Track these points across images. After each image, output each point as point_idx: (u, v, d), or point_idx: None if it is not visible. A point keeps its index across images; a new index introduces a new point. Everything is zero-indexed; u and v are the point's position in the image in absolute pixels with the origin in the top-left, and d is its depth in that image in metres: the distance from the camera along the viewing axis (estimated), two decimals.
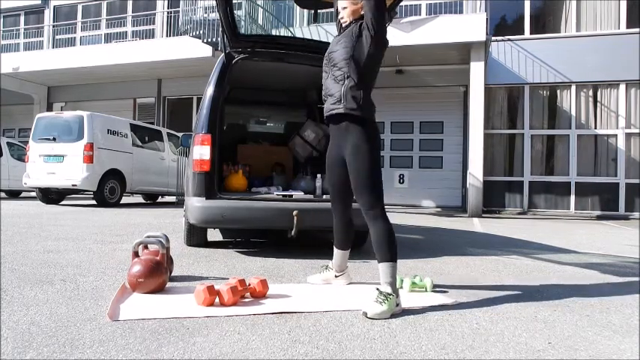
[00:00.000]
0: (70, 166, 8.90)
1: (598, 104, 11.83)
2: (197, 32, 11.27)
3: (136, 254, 2.64)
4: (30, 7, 17.25)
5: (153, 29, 15.28)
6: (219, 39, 9.23)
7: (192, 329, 1.94)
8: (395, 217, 8.22)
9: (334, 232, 2.82)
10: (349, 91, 2.46)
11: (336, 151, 2.62)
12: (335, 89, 2.52)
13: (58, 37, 16.45)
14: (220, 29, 3.84)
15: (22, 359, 1.58)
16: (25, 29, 17.18)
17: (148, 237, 2.77)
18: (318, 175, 4.17)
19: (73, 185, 8.88)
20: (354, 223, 2.81)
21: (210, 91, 3.87)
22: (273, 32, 11.44)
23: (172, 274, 2.84)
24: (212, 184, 3.74)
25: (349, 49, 2.49)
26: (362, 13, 2.53)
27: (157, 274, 2.51)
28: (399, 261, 2.40)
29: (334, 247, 2.85)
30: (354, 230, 2.85)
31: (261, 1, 11.97)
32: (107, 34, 15.85)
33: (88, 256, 3.55)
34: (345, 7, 2.61)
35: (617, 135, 11.61)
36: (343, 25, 2.66)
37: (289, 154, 5.19)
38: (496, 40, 11.85)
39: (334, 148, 2.64)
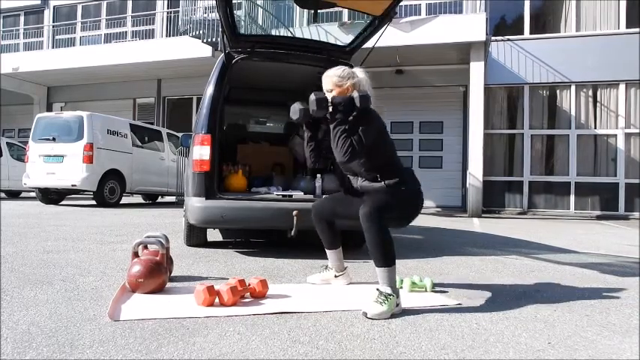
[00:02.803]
0: (69, 167, 8.90)
1: (598, 104, 11.84)
2: (197, 32, 11.28)
3: (135, 254, 2.64)
4: (30, 7, 17.24)
5: (153, 29, 15.28)
6: (219, 39, 9.23)
7: (192, 329, 1.94)
8: None
9: (319, 234, 2.83)
10: (391, 183, 2.46)
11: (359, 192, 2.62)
12: (377, 186, 2.49)
13: (57, 37, 16.44)
14: (220, 29, 3.84)
15: (22, 359, 1.58)
16: (24, 29, 17.17)
17: (148, 237, 2.77)
18: (318, 176, 4.17)
19: (72, 185, 8.88)
20: (335, 223, 2.82)
21: (210, 91, 3.87)
22: (273, 32, 11.43)
23: (172, 275, 2.84)
24: (212, 184, 3.74)
25: (362, 158, 2.46)
26: (350, 94, 2.47)
27: (157, 275, 2.51)
28: (399, 261, 2.40)
29: (326, 250, 2.85)
30: (349, 230, 2.85)
31: (261, 1, 11.97)
32: (107, 34, 15.85)
33: (87, 256, 3.54)
34: (330, 90, 2.53)
35: (616, 135, 11.62)
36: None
37: (289, 154, 5.19)
38: (496, 40, 11.85)
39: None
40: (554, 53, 11.77)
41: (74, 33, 16.28)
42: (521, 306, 2.48)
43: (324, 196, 4.03)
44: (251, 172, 4.77)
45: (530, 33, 12.16)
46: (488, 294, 2.73)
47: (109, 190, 9.33)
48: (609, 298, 2.75)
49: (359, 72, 2.58)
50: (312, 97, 2.44)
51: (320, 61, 4.21)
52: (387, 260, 2.31)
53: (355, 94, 2.42)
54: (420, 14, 11.67)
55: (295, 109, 2.62)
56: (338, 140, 2.38)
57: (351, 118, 2.44)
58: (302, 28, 11.31)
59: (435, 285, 2.78)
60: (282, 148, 5.22)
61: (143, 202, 12.06)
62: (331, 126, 2.44)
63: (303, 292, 2.66)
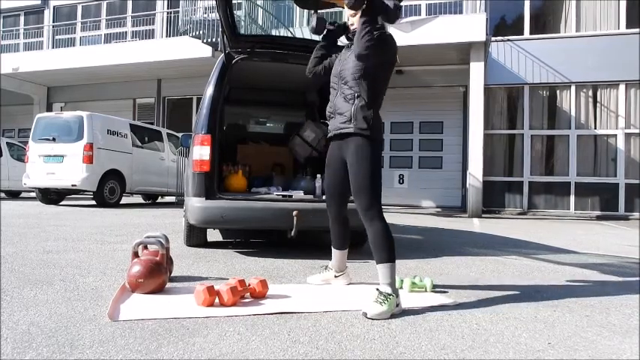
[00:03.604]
0: (69, 167, 8.89)
1: (598, 104, 11.84)
2: (197, 32, 11.27)
3: (135, 254, 2.64)
4: (30, 7, 17.24)
5: (153, 29, 15.28)
6: (219, 39, 9.22)
7: (191, 329, 1.94)
8: (395, 217, 8.24)
9: (331, 232, 2.83)
10: (360, 111, 2.45)
11: (337, 153, 2.62)
12: (345, 108, 2.51)
13: (57, 37, 16.45)
14: (220, 29, 3.84)
15: (22, 359, 1.57)
16: (24, 29, 17.18)
17: (148, 237, 2.77)
18: (318, 176, 4.17)
19: (72, 185, 8.88)
20: (349, 222, 2.81)
21: (209, 91, 3.87)
22: (273, 32, 11.43)
23: (172, 275, 2.84)
24: (212, 184, 3.73)
25: (360, 68, 2.46)
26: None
27: (157, 275, 2.51)
28: (399, 261, 2.40)
29: (332, 248, 2.85)
30: (351, 230, 2.85)
31: (261, 1, 11.97)
32: (107, 34, 15.85)
33: (87, 257, 3.54)
34: (353, 14, 2.54)
35: (616, 135, 11.62)
36: (352, 34, 2.62)
37: (289, 154, 5.19)
38: (496, 41, 11.85)
39: (335, 149, 2.64)
40: (554, 53, 11.77)
41: (74, 33, 16.28)
42: (521, 306, 2.48)
43: (324, 196, 4.04)
44: (251, 172, 4.77)
45: (530, 33, 12.17)
46: (488, 294, 2.73)
47: (109, 190, 9.32)
48: (609, 298, 2.75)
49: None
50: (314, 15, 2.61)
51: None
52: (389, 256, 2.33)
53: (390, 2, 2.44)
54: (420, 14, 11.68)
55: (313, 19, 2.81)
56: (365, 33, 2.34)
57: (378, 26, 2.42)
58: (302, 28, 11.31)
59: (434, 285, 2.78)
60: (282, 148, 5.22)
61: (143, 202, 12.06)
62: (363, 19, 2.37)
63: (303, 292, 2.66)
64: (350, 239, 2.87)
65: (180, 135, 7.07)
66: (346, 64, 2.56)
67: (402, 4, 2.87)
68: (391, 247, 2.35)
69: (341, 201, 2.75)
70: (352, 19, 2.57)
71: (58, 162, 9.01)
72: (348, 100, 2.51)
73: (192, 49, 12.20)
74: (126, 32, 15.62)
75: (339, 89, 2.58)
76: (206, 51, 12.01)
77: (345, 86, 2.53)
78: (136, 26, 15.47)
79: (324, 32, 2.85)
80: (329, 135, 2.67)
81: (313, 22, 2.82)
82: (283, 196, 4.02)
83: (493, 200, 11.86)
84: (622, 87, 11.58)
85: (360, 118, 2.45)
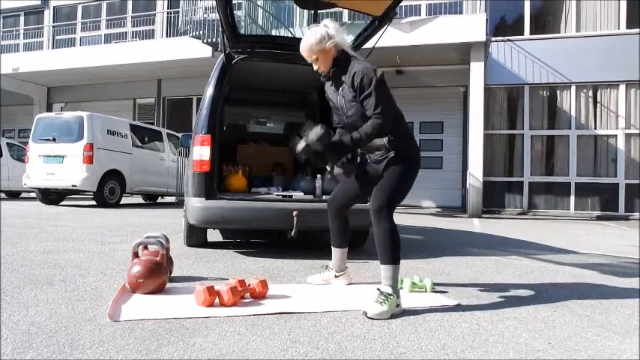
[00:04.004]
0: (69, 167, 8.90)
1: (598, 104, 11.84)
2: (197, 32, 11.27)
3: (135, 255, 2.64)
4: (30, 7, 17.24)
5: (153, 29, 15.28)
6: (219, 39, 9.23)
7: (192, 330, 1.94)
8: (395, 217, 8.19)
9: (331, 230, 2.83)
10: (391, 142, 2.44)
11: (374, 167, 2.58)
12: (377, 144, 2.47)
13: (57, 37, 16.45)
14: (220, 29, 3.84)
15: (22, 359, 1.58)
16: (24, 30, 17.18)
17: (148, 237, 2.77)
18: (318, 176, 4.17)
19: (72, 186, 8.88)
20: (349, 221, 2.81)
21: (209, 91, 3.87)
22: (273, 32, 11.44)
23: (172, 275, 2.84)
24: (212, 184, 3.73)
25: (363, 113, 2.40)
26: (335, 54, 2.45)
27: (157, 275, 2.51)
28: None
29: (332, 247, 2.85)
30: (352, 230, 2.85)
31: (261, 1, 11.97)
32: (107, 34, 15.85)
33: (87, 257, 3.54)
34: (316, 59, 2.48)
35: (616, 135, 11.62)
36: (325, 79, 2.58)
37: (289, 154, 5.19)
38: (496, 41, 11.85)
39: (372, 164, 2.61)
40: (555, 53, 11.77)
41: (74, 33, 16.28)
42: (521, 306, 2.48)
43: (324, 196, 4.04)
44: (251, 172, 4.77)
45: (531, 33, 12.16)
46: (488, 294, 2.73)
47: (109, 190, 9.33)
48: (609, 298, 2.75)
49: (331, 27, 2.46)
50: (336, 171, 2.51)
51: None
52: (393, 257, 2.32)
53: (337, 170, 2.46)
54: (420, 15, 11.68)
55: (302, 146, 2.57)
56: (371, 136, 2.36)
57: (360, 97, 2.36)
58: (302, 28, 11.31)
59: (435, 285, 2.78)
60: (282, 148, 5.22)
61: (143, 202, 12.06)
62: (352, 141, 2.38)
63: (303, 292, 2.66)
64: (349, 238, 2.87)
65: (180, 135, 7.07)
66: (349, 110, 2.46)
67: (396, 12, 2.84)
68: (396, 249, 2.34)
69: (347, 203, 2.76)
70: (315, 65, 2.52)
71: (58, 162, 9.02)
72: (384, 152, 2.48)
73: (193, 49, 12.20)
74: (126, 32, 15.62)
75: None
76: (206, 51, 12.01)
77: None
78: (136, 26, 15.47)
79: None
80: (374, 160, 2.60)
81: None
82: (283, 196, 4.02)
83: (493, 200, 11.86)
84: (622, 87, 11.58)
85: (393, 145, 2.44)
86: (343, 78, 2.45)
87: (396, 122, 2.46)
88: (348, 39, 4.54)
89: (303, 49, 2.48)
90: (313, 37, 2.44)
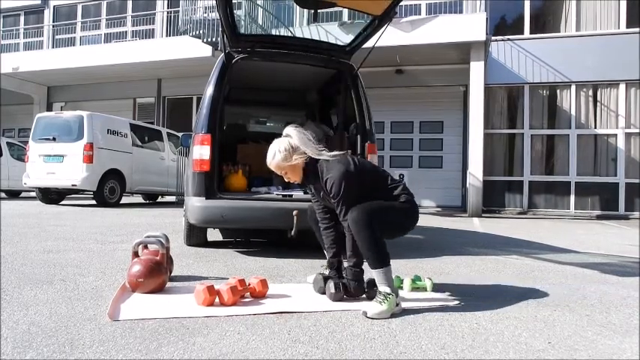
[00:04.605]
0: (69, 166, 8.90)
1: (598, 104, 11.83)
2: (197, 32, 11.27)
3: (135, 254, 2.64)
4: (30, 7, 17.23)
5: (153, 29, 15.27)
6: (219, 39, 9.23)
7: (192, 329, 1.94)
8: None
9: (317, 235, 2.82)
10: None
11: None
12: None
13: (57, 37, 16.44)
14: (220, 29, 3.84)
15: (22, 359, 1.58)
16: (24, 29, 17.17)
17: (148, 237, 2.77)
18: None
19: (72, 185, 8.88)
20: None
21: (209, 90, 3.87)
22: (273, 32, 11.43)
23: (172, 274, 2.84)
24: (212, 184, 3.74)
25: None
26: (304, 163, 2.44)
27: (157, 274, 2.51)
28: (399, 261, 2.40)
29: (324, 251, 2.80)
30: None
31: (261, 1, 11.97)
32: (107, 34, 15.84)
33: (87, 256, 3.54)
34: (285, 173, 2.50)
35: (616, 135, 11.62)
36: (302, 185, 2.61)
37: None
38: (496, 40, 11.84)
39: None
40: (555, 53, 11.76)
41: (74, 33, 16.27)
42: (521, 306, 2.48)
43: None
44: (251, 172, 4.77)
45: (530, 33, 12.16)
46: (488, 294, 2.73)
47: (109, 189, 9.33)
48: (609, 298, 2.75)
49: (293, 136, 2.45)
50: (331, 289, 2.47)
51: (320, 61, 4.22)
52: (381, 262, 2.30)
53: (331, 287, 2.46)
54: (420, 14, 11.67)
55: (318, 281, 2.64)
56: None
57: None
58: (302, 28, 11.31)
59: (435, 285, 2.78)
60: None
61: (143, 201, 12.06)
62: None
63: (303, 292, 2.66)
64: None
65: (180, 135, 7.07)
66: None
67: (396, 11, 2.80)
68: (383, 252, 2.30)
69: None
70: (286, 177, 2.53)
71: (58, 162, 9.02)
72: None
73: (193, 48, 12.19)
74: (126, 32, 15.61)
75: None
76: (206, 50, 12.00)
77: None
78: (136, 26, 15.46)
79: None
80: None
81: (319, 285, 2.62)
82: (283, 195, 4.02)
83: (493, 200, 11.86)
84: (622, 86, 11.58)
85: None
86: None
87: (381, 191, 2.47)
88: (348, 39, 4.56)
89: (271, 166, 2.48)
90: (279, 154, 2.43)
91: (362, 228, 2.29)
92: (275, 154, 2.45)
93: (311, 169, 2.46)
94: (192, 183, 3.78)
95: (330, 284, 2.48)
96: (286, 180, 2.57)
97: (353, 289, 2.46)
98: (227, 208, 3.71)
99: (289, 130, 2.50)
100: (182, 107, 15.36)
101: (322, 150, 2.47)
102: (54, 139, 9.12)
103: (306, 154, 2.44)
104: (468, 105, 11.67)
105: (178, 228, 5.14)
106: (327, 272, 2.90)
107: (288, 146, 2.44)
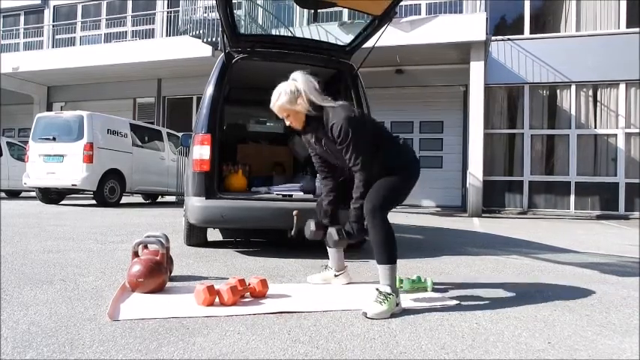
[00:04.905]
0: (69, 166, 8.90)
1: (598, 104, 11.84)
2: (197, 32, 11.27)
3: (135, 254, 2.64)
4: (30, 6, 17.24)
5: (153, 29, 15.28)
6: (219, 39, 9.23)
7: (192, 329, 1.94)
8: (395, 217, 8.19)
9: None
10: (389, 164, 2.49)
11: None
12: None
13: (57, 36, 16.44)
14: (220, 29, 3.84)
15: (22, 359, 1.58)
16: (24, 29, 17.17)
17: (148, 237, 2.77)
18: (318, 175, 4.16)
19: (72, 185, 8.88)
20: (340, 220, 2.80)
21: (209, 90, 3.87)
22: (273, 32, 11.43)
23: (172, 274, 2.84)
24: (212, 183, 3.74)
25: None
26: (307, 109, 2.43)
27: (157, 274, 2.51)
28: (399, 261, 2.40)
29: (327, 247, 2.84)
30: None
31: (261, 1, 11.97)
32: (107, 33, 15.85)
33: (87, 256, 3.54)
34: (287, 116, 2.49)
35: (616, 135, 11.62)
36: (303, 134, 2.62)
37: (289, 153, 5.19)
38: (496, 40, 11.84)
39: None
40: (555, 53, 11.76)
41: (74, 33, 16.28)
42: (521, 306, 2.48)
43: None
44: (251, 172, 4.77)
45: (531, 33, 12.16)
46: (488, 294, 2.73)
47: (109, 189, 9.33)
48: (609, 297, 2.75)
49: (299, 80, 2.45)
50: (334, 236, 2.49)
51: (320, 61, 4.21)
52: (390, 257, 2.32)
53: (333, 233, 2.49)
54: (420, 14, 11.67)
55: (309, 231, 2.71)
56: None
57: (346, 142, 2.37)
58: (302, 27, 11.31)
59: (435, 284, 2.78)
60: (282, 148, 5.22)
61: (143, 201, 12.06)
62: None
63: (303, 291, 2.66)
64: None
65: (180, 134, 7.07)
66: (340, 157, 2.47)
67: (396, 11, 2.84)
68: (392, 248, 2.34)
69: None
70: (287, 121, 2.54)
71: (58, 161, 9.02)
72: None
73: (192, 48, 12.19)
74: (126, 32, 15.61)
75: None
76: (206, 50, 12.00)
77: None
78: (136, 26, 15.47)
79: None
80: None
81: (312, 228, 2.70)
82: (283, 195, 4.02)
83: (493, 200, 11.86)
84: (622, 86, 11.58)
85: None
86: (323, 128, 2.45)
87: (380, 148, 2.49)
88: (348, 38, 4.56)
89: (274, 108, 2.48)
90: (284, 96, 2.43)
91: (377, 221, 2.33)
92: (280, 96, 2.44)
93: (314, 116, 2.43)
94: (192, 183, 3.78)
95: (311, 223, 2.62)
96: (287, 124, 2.54)
97: (356, 230, 2.46)
98: (227, 208, 3.71)
99: (297, 74, 2.48)
100: (182, 107, 15.36)
101: (327, 97, 2.46)
102: (54, 139, 9.12)
103: (311, 100, 2.41)
104: (467, 105, 11.66)
105: (178, 228, 5.14)
106: (326, 271, 2.91)
107: (295, 89, 2.42)
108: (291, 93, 2.41)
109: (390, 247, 2.33)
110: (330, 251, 2.85)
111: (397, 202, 2.51)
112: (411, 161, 2.56)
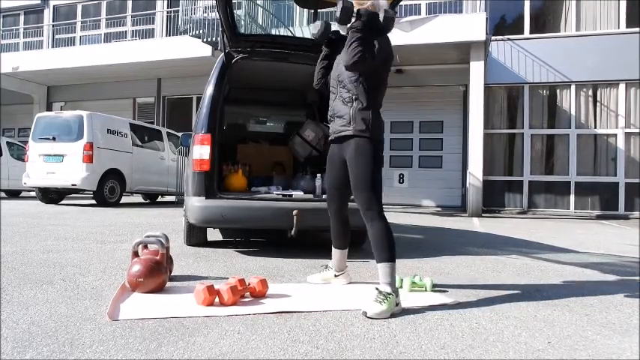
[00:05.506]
0: (69, 166, 8.89)
1: (598, 104, 11.84)
2: (197, 32, 11.26)
3: (135, 254, 2.64)
4: (29, 6, 17.23)
5: (152, 29, 15.27)
6: (218, 38, 9.23)
7: (191, 329, 1.94)
8: (395, 217, 8.23)
9: (331, 232, 2.84)
10: (358, 114, 2.47)
11: (338, 154, 2.63)
12: (344, 111, 2.53)
13: (57, 36, 16.44)
14: (220, 29, 3.84)
15: (22, 359, 1.58)
16: (24, 29, 17.17)
17: (148, 237, 2.77)
18: (318, 175, 4.16)
19: (72, 185, 8.88)
20: (350, 222, 2.82)
21: (209, 90, 3.87)
22: (273, 31, 11.43)
23: (172, 274, 2.84)
24: (212, 183, 3.74)
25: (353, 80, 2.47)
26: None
27: (157, 274, 2.51)
28: (399, 261, 2.40)
29: (333, 247, 2.86)
30: (351, 229, 2.85)
31: (261, 1, 11.97)
32: (107, 33, 15.85)
33: (87, 256, 3.54)
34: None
35: (616, 134, 11.62)
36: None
37: (289, 153, 5.19)
38: (496, 40, 11.84)
39: (336, 151, 2.66)
40: (554, 53, 11.76)
41: (74, 32, 16.28)
42: (521, 305, 2.48)
43: (324, 195, 4.03)
44: (251, 171, 4.77)
45: (530, 33, 12.16)
46: (488, 293, 2.73)
47: (108, 189, 9.32)
48: (609, 297, 2.75)
49: (383, 1, 2.52)
50: (340, 3, 2.42)
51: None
52: (389, 255, 2.33)
53: (381, 13, 2.43)
54: (419, 14, 11.67)
55: (317, 24, 2.68)
56: (351, 44, 2.36)
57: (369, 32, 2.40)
58: (302, 27, 11.30)
59: (434, 284, 2.78)
60: (282, 148, 5.22)
61: (143, 201, 12.05)
62: (350, 31, 2.42)
63: (303, 291, 2.66)
64: (350, 239, 2.87)
65: (180, 134, 7.07)
66: (343, 67, 2.55)
67: (396, 11, 2.88)
68: (391, 246, 2.36)
69: (341, 201, 2.76)
70: (341, 26, 2.55)
71: (58, 161, 9.01)
72: (346, 103, 2.53)
73: (192, 48, 12.19)
74: (126, 32, 15.61)
75: (338, 92, 2.60)
76: (206, 50, 12.00)
77: (344, 89, 2.55)
78: (136, 25, 15.46)
79: (326, 40, 2.82)
80: (330, 138, 2.69)
81: (318, 29, 2.73)
82: (283, 195, 4.02)
83: (493, 200, 11.86)
84: (622, 86, 11.58)
85: (358, 120, 2.47)
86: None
87: (373, 91, 2.50)
88: None
89: None
90: None
91: (375, 219, 2.36)
92: None
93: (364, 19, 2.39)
94: (192, 183, 3.78)
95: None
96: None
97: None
98: (227, 208, 3.71)
99: None
100: (182, 107, 15.36)
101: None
102: (54, 138, 9.12)
103: (373, 6, 2.44)
104: (467, 105, 11.67)
105: (178, 228, 5.14)
106: (326, 271, 2.91)
107: None
108: None
109: (390, 245, 2.36)
110: (335, 252, 2.85)
111: (381, 187, 2.51)
112: (379, 142, 2.54)
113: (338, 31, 2.68)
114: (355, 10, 2.41)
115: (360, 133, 2.46)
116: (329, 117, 2.69)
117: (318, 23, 2.69)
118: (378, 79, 2.54)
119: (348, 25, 2.44)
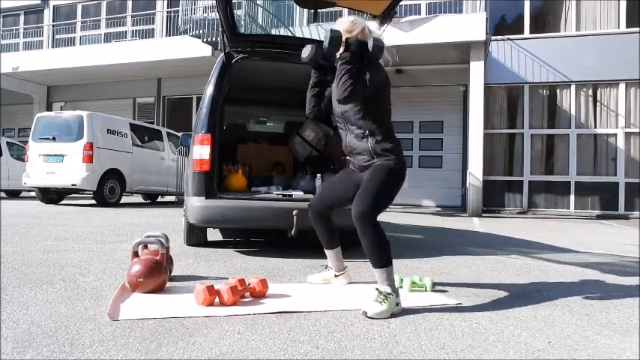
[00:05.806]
0: (69, 166, 8.89)
1: (598, 103, 11.84)
2: (197, 32, 11.27)
3: (135, 254, 2.64)
4: (29, 6, 17.23)
5: (152, 29, 15.27)
6: (218, 38, 9.23)
7: (191, 329, 1.94)
8: (395, 217, 8.23)
9: (317, 233, 2.83)
10: (377, 146, 2.45)
11: (359, 173, 2.58)
12: (362, 147, 2.50)
13: (57, 36, 16.44)
14: (220, 29, 3.84)
15: (21, 359, 1.58)
16: (24, 29, 17.17)
17: (148, 237, 2.77)
18: (318, 175, 4.16)
19: (72, 185, 8.88)
20: (334, 221, 2.81)
21: (209, 90, 3.87)
22: (273, 31, 11.43)
23: (172, 274, 2.84)
24: (212, 183, 3.74)
25: (359, 109, 2.44)
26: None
27: (157, 274, 2.51)
28: (399, 261, 2.40)
29: (324, 249, 2.85)
30: (337, 228, 2.84)
31: (261, 1, 11.97)
32: (107, 33, 15.84)
33: (87, 256, 3.54)
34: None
35: (616, 134, 11.62)
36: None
37: (289, 153, 5.19)
38: (496, 40, 11.84)
39: (357, 170, 2.61)
40: (554, 53, 11.76)
41: (74, 32, 16.28)
42: (521, 305, 2.48)
43: None
44: (251, 171, 4.77)
45: (530, 32, 12.16)
46: (488, 293, 2.73)
47: (109, 189, 9.32)
48: (609, 297, 2.75)
49: (373, 27, 2.53)
50: (327, 32, 2.40)
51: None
52: (383, 261, 2.31)
53: (370, 41, 2.41)
54: (419, 14, 11.67)
55: (307, 48, 2.64)
56: (341, 77, 2.32)
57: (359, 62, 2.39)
58: (302, 27, 11.30)
59: (434, 285, 2.78)
60: (282, 148, 5.22)
61: (143, 201, 12.05)
62: (338, 63, 2.39)
63: (303, 291, 2.66)
64: (338, 237, 2.86)
65: (180, 134, 7.07)
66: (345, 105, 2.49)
67: (396, 11, 2.86)
68: (386, 251, 2.32)
69: (327, 208, 2.76)
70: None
71: (58, 161, 9.01)
72: (360, 139, 2.49)
73: (192, 48, 12.19)
74: (126, 32, 15.61)
75: (348, 129, 2.55)
76: (206, 50, 12.00)
77: (353, 127, 2.51)
78: (136, 25, 15.46)
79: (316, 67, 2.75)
80: (352, 169, 2.65)
81: (308, 53, 2.64)
82: (283, 195, 4.02)
83: (493, 199, 11.86)
84: (622, 86, 11.58)
85: (379, 151, 2.45)
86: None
87: (383, 120, 2.49)
88: None
89: (338, 22, 2.51)
90: (353, 17, 2.53)
91: (367, 226, 2.30)
92: (352, 17, 2.55)
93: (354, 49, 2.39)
94: (192, 183, 3.78)
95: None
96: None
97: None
98: (227, 208, 3.71)
99: (372, 26, 2.56)
100: (182, 107, 15.36)
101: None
102: (54, 138, 9.12)
103: (362, 33, 2.44)
104: (467, 105, 11.66)
105: (178, 228, 5.14)
106: (326, 271, 2.91)
107: (365, 25, 2.48)
108: (361, 22, 2.49)
109: (383, 251, 2.31)
110: (328, 252, 2.85)
111: (385, 206, 2.48)
112: (403, 163, 2.53)
113: (329, 56, 2.56)
114: (344, 39, 2.39)
115: (385, 160, 2.45)
116: (347, 152, 2.64)
117: (309, 47, 2.63)
118: (382, 104, 2.50)
119: (337, 56, 2.41)
